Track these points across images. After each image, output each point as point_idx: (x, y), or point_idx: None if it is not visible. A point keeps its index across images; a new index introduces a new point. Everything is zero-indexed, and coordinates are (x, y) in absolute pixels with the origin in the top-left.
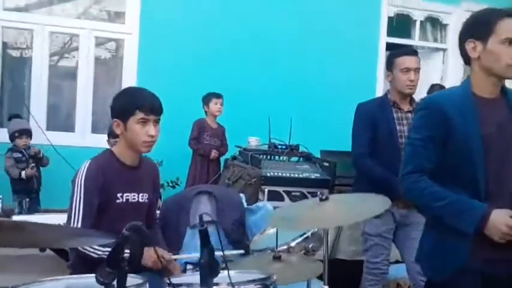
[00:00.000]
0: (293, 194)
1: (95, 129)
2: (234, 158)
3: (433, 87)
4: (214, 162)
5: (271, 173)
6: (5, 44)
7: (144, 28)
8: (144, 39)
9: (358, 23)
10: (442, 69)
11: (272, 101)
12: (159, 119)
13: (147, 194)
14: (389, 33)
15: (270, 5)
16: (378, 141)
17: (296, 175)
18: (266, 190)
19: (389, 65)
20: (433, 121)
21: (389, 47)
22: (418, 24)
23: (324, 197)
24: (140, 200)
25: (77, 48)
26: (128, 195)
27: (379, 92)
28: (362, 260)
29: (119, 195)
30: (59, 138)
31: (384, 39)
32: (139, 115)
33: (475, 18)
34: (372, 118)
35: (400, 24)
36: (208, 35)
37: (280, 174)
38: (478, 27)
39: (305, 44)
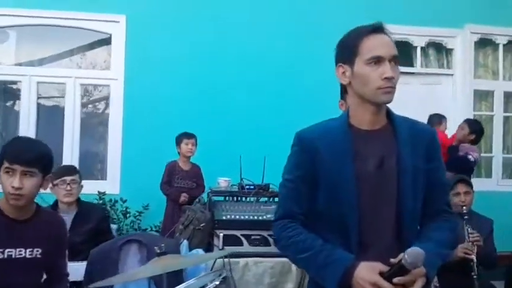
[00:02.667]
0: (253, 237)
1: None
2: (198, 201)
3: (432, 118)
4: None
5: (227, 216)
6: None
7: (129, 74)
8: (129, 84)
9: None
10: (451, 96)
11: (246, 140)
12: (32, 172)
13: (40, 249)
14: None
15: (243, 49)
16: None
17: (256, 217)
18: (221, 235)
19: (344, 92)
20: (303, 159)
21: None
22: (419, 50)
23: (160, 252)
24: (28, 256)
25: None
26: (10, 251)
27: None
28: None
29: None
30: None
31: None
32: (5, 164)
33: (342, 39)
34: None
35: (400, 51)
36: (187, 75)
37: (236, 217)
38: (344, 49)
39: (282, 79)
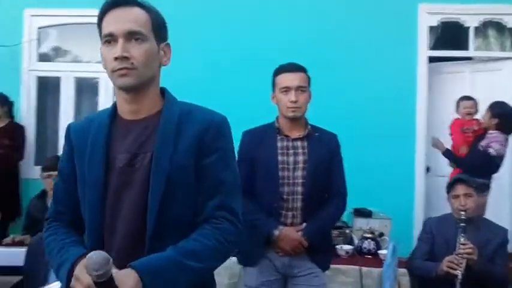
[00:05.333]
0: None
1: None
2: None
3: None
4: None
5: None
6: (40, 90)
7: None
8: None
9: (391, 38)
10: None
11: None
12: None
13: None
14: (438, 46)
15: (290, 26)
16: (257, 176)
17: None
18: None
19: (272, 85)
20: (65, 153)
21: (435, 61)
22: (471, 31)
23: None
24: None
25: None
26: None
27: (420, 121)
28: None
29: None
30: None
31: (424, 54)
32: None
33: None
34: (250, 150)
35: (451, 33)
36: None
37: None
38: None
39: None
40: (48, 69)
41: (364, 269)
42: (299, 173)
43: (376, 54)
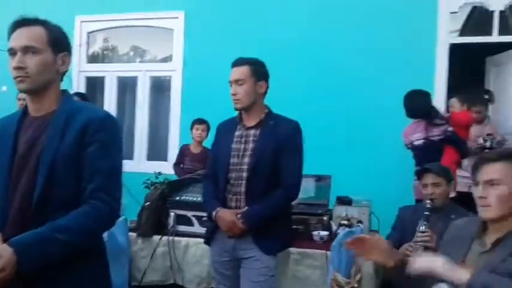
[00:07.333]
0: (203, 219)
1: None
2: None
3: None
4: None
5: (180, 197)
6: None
7: (187, 65)
8: (187, 74)
9: (410, 25)
10: None
11: None
12: None
13: None
14: (465, 32)
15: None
16: (217, 163)
17: None
18: (172, 214)
19: None
20: None
21: (459, 48)
22: (496, 15)
23: None
24: None
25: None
26: None
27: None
28: None
29: None
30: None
31: (443, 41)
32: None
33: None
34: (216, 139)
35: (477, 19)
36: None
37: (189, 198)
38: None
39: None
40: (91, 69)
41: (329, 253)
42: (246, 159)
43: (390, 48)
